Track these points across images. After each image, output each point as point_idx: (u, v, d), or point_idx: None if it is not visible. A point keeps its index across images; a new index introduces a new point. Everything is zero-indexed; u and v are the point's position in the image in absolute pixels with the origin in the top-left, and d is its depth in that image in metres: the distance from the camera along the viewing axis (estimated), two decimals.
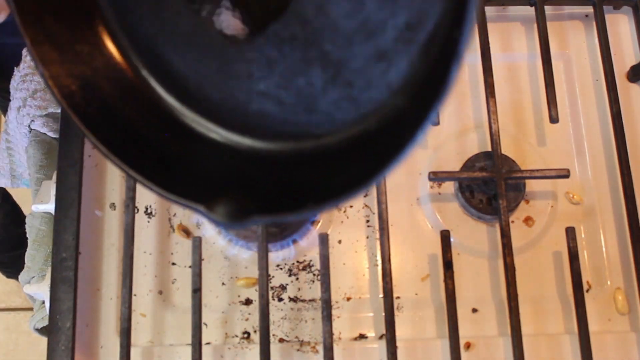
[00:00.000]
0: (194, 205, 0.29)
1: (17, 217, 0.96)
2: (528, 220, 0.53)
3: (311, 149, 0.33)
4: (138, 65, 0.35)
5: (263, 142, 0.34)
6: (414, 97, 0.30)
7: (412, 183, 0.54)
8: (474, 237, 0.52)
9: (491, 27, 0.54)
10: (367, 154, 0.31)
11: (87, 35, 0.34)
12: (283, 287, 0.51)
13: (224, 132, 0.35)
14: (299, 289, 0.51)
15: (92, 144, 0.31)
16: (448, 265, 0.48)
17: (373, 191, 0.53)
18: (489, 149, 0.52)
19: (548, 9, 0.56)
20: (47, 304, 0.48)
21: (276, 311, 0.50)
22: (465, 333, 0.48)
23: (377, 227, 0.51)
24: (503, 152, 0.51)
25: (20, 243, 0.94)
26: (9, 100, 0.57)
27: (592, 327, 0.48)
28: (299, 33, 0.32)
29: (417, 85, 0.30)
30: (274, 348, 0.48)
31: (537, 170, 0.50)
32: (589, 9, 0.57)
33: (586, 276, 0.52)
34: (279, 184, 0.33)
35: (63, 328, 0.47)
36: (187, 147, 0.35)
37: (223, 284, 0.51)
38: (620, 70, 0.57)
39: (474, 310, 0.51)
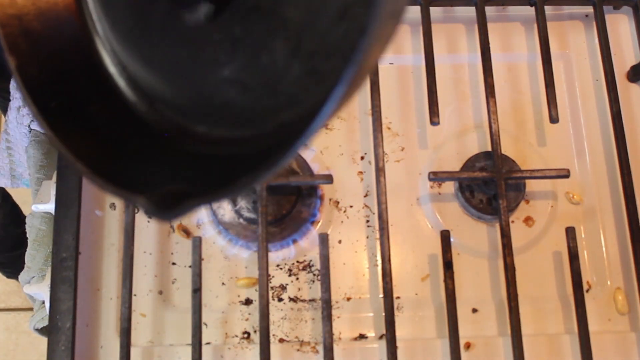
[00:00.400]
0: (131, 197, 0.29)
1: (16, 217, 0.96)
2: (528, 220, 0.53)
3: (270, 133, 0.32)
4: (109, 63, 0.35)
5: (223, 133, 0.33)
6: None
7: (412, 183, 0.54)
8: (474, 237, 0.52)
9: (491, 27, 0.54)
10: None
11: (64, 31, 0.34)
12: (283, 287, 0.51)
13: (185, 123, 0.34)
14: (299, 289, 0.51)
15: (45, 135, 0.31)
16: (448, 265, 0.48)
17: (373, 191, 0.53)
18: (489, 149, 0.52)
19: (548, 9, 0.56)
20: (47, 304, 0.48)
21: (276, 311, 0.50)
22: (465, 333, 0.48)
23: (377, 227, 0.51)
24: (503, 152, 0.51)
25: (20, 243, 0.94)
26: (9, 100, 0.57)
27: (592, 327, 0.48)
28: (262, 2, 0.31)
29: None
30: (274, 348, 0.48)
31: (537, 170, 0.50)
32: (589, 9, 0.57)
33: (586, 276, 0.52)
34: (224, 169, 0.32)
35: (63, 328, 0.47)
36: (141, 143, 0.34)
37: (223, 284, 0.51)
38: (620, 70, 0.57)
39: (474, 310, 0.51)
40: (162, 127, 0.35)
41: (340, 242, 0.52)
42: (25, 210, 0.98)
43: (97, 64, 0.35)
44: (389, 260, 0.47)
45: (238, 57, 0.32)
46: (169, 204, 0.28)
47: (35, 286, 0.52)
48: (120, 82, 0.35)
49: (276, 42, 0.31)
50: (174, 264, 0.52)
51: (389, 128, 0.55)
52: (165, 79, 0.34)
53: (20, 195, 0.98)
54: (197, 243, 0.47)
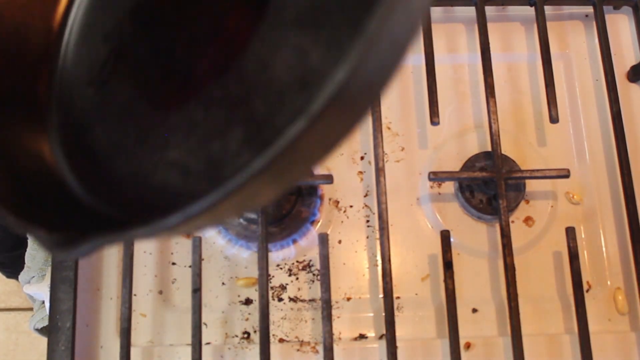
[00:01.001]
0: (33, 229, 0.28)
1: None
2: (528, 220, 0.53)
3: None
4: (51, 123, 0.34)
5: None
6: None
7: (412, 183, 0.54)
8: (474, 237, 0.52)
9: (491, 27, 0.54)
10: None
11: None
12: (283, 287, 0.51)
13: (106, 206, 0.33)
14: (299, 289, 0.51)
15: None
16: (448, 265, 0.48)
17: (373, 191, 0.53)
18: (489, 149, 0.52)
19: (548, 9, 0.56)
20: (47, 304, 0.48)
21: (276, 311, 0.50)
22: (465, 333, 0.48)
23: (377, 227, 0.51)
24: (503, 152, 0.51)
25: (19, 243, 0.94)
26: None
27: (592, 327, 0.48)
28: (233, 92, 0.31)
29: None
30: (274, 348, 0.48)
31: (537, 170, 0.50)
32: (589, 9, 0.57)
33: (586, 276, 0.52)
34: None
35: (63, 328, 0.47)
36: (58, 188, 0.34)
37: (223, 284, 0.51)
38: (620, 70, 0.57)
39: (474, 310, 0.51)
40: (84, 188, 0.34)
41: (340, 242, 0.52)
42: None
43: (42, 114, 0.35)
44: (389, 260, 0.47)
45: (189, 141, 0.31)
46: (67, 243, 0.27)
47: (35, 286, 0.52)
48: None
49: (234, 131, 0.30)
50: (174, 264, 0.52)
51: (389, 128, 0.55)
52: (107, 150, 0.33)
53: None
54: (197, 243, 0.47)
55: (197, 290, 0.47)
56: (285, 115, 0.29)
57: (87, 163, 0.34)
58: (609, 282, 0.52)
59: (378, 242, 0.50)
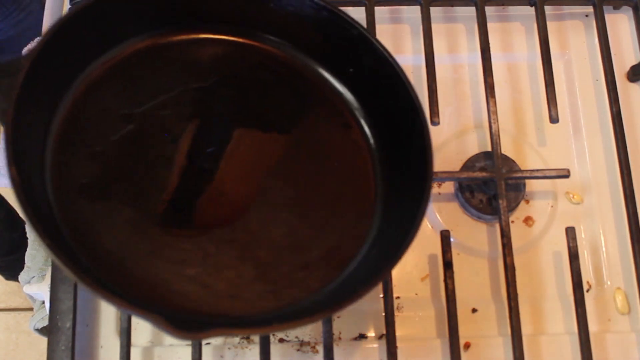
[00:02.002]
0: (149, 316, 0.29)
1: (11, 222, 0.95)
2: (528, 220, 0.53)
3: None
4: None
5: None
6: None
7: None
8: (474, 237, 0.52)
9: (491, 27, 0.54)
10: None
11: None
12: None
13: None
14: None
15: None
16: (448, 265, 0.48)
17: None
18: (489, 149, 0.52)
19: (548, 9, 0.56)
20: (47, 304, 0.48)
21: None
22: (465, 333, 0.48)
23: None
24: (503, 152, 0.51)
25: (15, 247, 0.94)
26: None
27: (592, 327, 0.48)
28: (239, 238, 0.38)
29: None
30: (274, 348, 0.48)
31: (537, 170, 0.50)
32: (589, 9, 0.57)
33: (586, 276, 0.52)
34: None
35: (63, 328, 0.47)
36: None
37: None
38: (620, 70, 0.57)
39: (474, 310, 0.51)
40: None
41: None
42: None
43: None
44: None
45: (205, 265, 0.37)
46: (193, 327, 0.30)
47: (35, 286, 0.52)
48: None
49: (245, 266, 0.37)
50: None
51: None
52: (116, 259, 0.37)
53: None
54: None
55: None
56: (286, 267, 0.38)
57: (86, 244, 0.37)
58: (609, 282, 0.52)
59: None
